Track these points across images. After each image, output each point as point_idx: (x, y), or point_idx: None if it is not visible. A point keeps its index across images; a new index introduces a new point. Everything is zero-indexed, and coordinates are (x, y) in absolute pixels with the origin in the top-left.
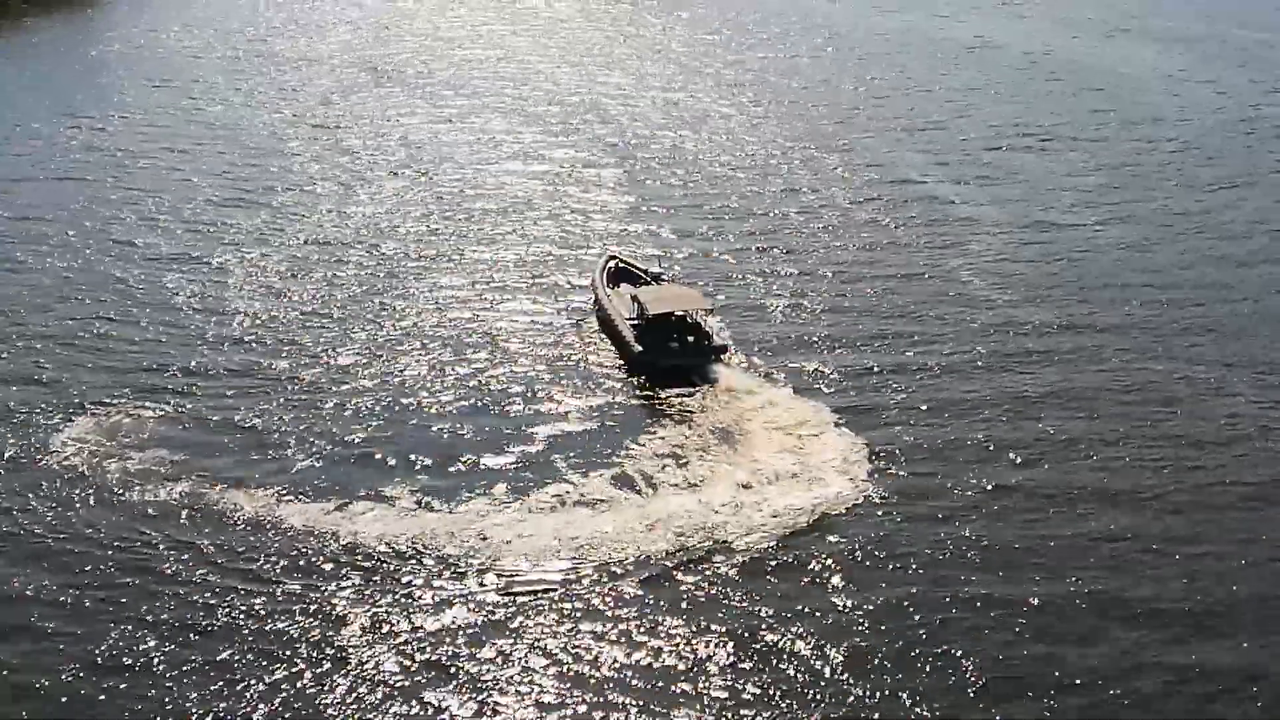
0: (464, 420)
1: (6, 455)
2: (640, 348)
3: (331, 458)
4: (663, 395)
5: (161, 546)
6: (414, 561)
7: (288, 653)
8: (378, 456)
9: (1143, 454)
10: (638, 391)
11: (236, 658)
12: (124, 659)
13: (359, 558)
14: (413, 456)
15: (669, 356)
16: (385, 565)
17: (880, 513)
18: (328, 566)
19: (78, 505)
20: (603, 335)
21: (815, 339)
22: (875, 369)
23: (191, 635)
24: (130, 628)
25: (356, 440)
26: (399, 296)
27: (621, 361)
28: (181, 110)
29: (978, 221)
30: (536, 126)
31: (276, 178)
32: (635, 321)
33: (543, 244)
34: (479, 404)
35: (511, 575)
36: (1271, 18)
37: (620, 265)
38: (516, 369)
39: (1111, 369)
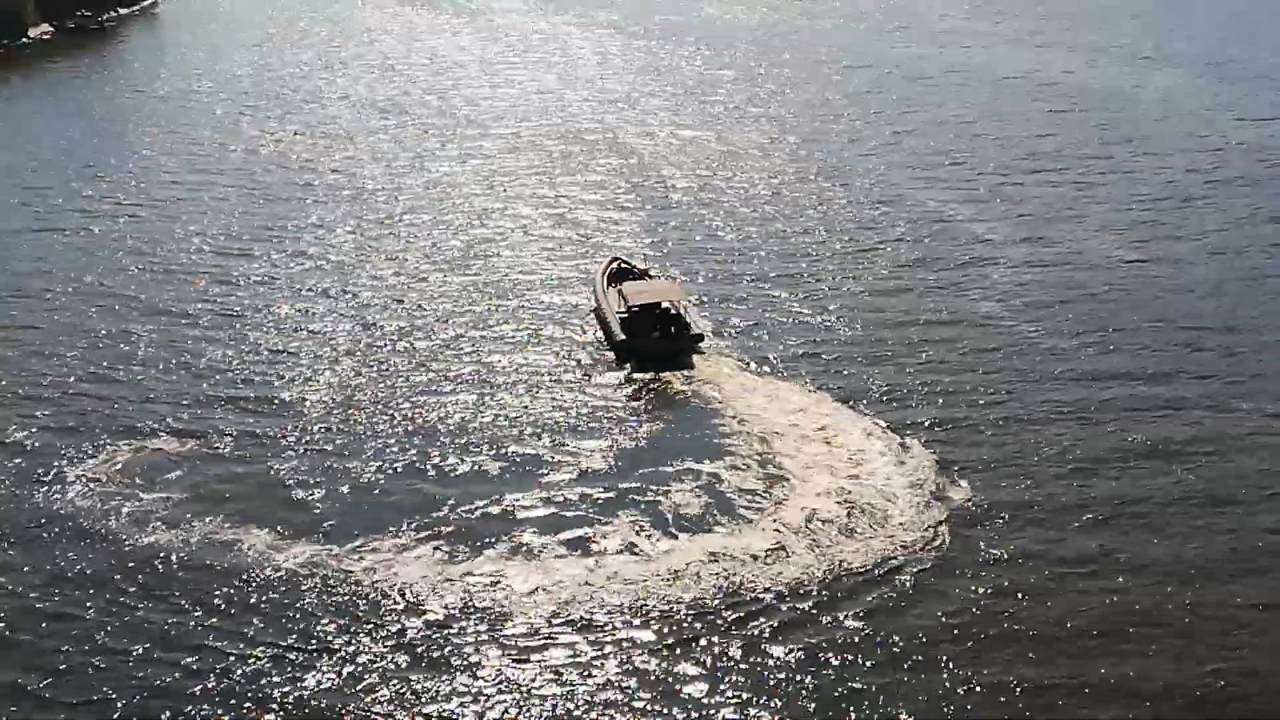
0: (479, 454)
1: (18, 494)
2: (623, 335)
3: (342, 499)
4: (665, 400)
5: (171, 589)
6: (426, 612)
7: (293, 699)
8: (391, 498)
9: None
10: (635, 391)
11: (243, 705)
12: (129, 696)
13: (369, 605)
14: (426, 497)
15: (649, 343)
16: (395, 615)
17: (928, 551)
18: (336, 614)
19: (89, 545)
20: (599, 333)
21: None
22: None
23: (198, 678)
24: (137, 668)
25: (367, 481)
26: (409, 332)
27: (612, 354)
28: (194, 153)
29: (994, 245)
30: (544, 156)
31: (288, 218)
32: (621, 313)
33: (554, 261)
34: (493, 434)
35: (529, 630)
36: None
37: (621, 266)
38: (524, 386)
39: (1135, 405)
